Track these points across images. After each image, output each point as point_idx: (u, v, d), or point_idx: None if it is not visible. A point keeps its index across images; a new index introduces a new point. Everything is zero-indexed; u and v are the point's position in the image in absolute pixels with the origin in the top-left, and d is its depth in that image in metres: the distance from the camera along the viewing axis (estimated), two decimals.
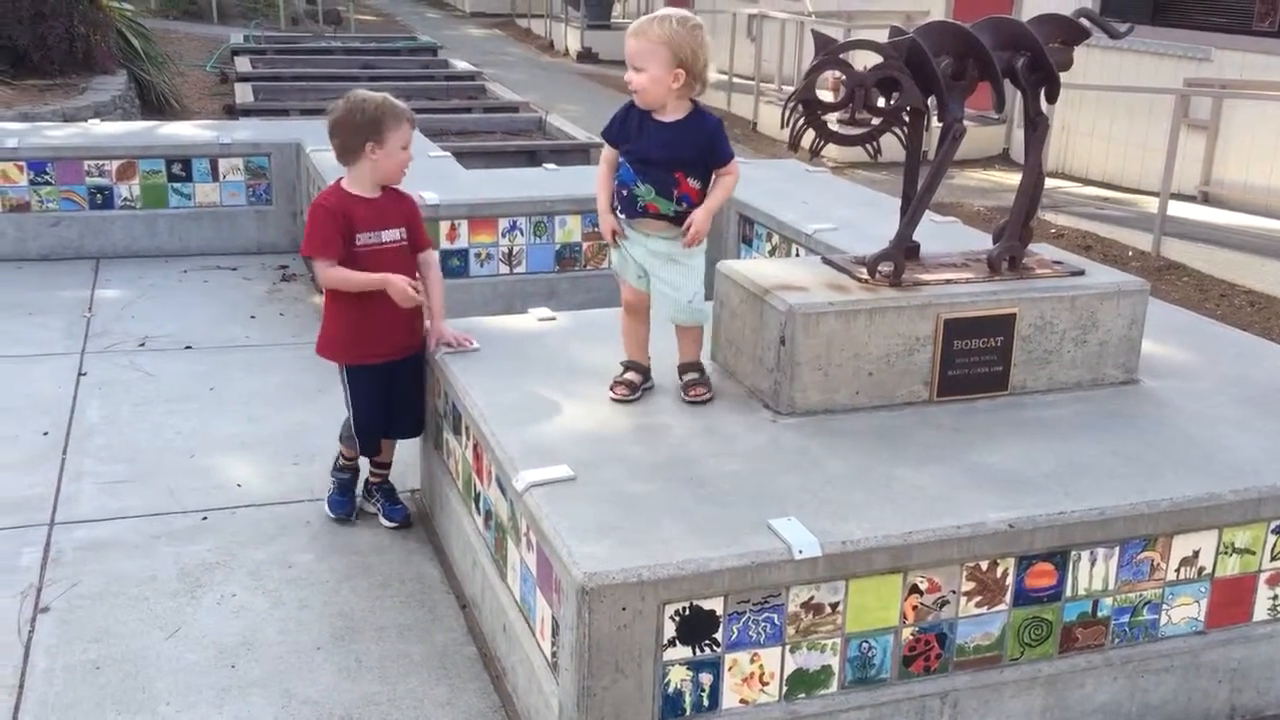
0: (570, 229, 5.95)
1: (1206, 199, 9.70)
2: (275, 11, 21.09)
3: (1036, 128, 3.44)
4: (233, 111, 11.93)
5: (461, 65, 15.02)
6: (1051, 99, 3.41)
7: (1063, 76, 3.42)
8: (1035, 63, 3.32)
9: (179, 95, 12.78)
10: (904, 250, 3.40)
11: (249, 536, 3.81)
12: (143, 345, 5.44)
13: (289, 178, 7.02)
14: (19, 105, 9.53)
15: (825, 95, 3.17)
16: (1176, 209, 8.78)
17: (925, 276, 3.43)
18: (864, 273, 3.41)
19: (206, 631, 3.29)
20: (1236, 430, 3.27)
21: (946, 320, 3.33)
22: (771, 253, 5.76)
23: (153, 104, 12.15)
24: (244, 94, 12.66)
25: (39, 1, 10.42)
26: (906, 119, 3.29)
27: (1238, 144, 9.61)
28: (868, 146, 3.27)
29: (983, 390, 3.43)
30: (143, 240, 6.81)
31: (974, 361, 3.40)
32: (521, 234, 5.88)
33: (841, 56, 3.14)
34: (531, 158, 9.38)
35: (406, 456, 4.17)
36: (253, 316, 5.92)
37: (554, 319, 4.09)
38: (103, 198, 6.73)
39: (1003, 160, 11.97)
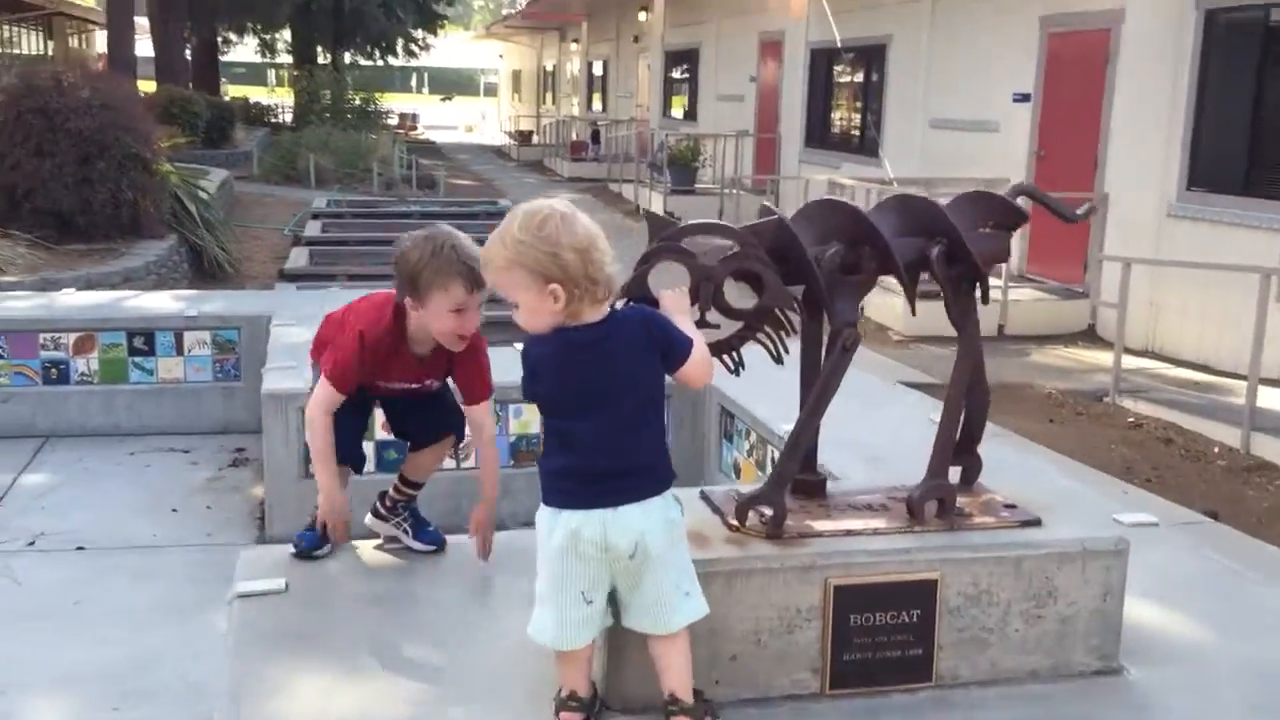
0: (526, 420, 5.26)
1: None
2: (370, 176, 21.42)
3: (963, 332, 2.64)
4: (284, 276, 11.76)
5: None
6: (984, 298, 2.63)
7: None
8: (954, 253, 2.55)
9: (234, 259, 12.69)
10: (785, 490, 2.60)
11: None
12: (31, 544, 4.87)
13: (260, 352, 6.49)
14: (46, 270, 9.39)
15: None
16: (1272, 398, 7.72)
17: (818, 524, 2.62)
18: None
19: None
20: None
21: (838, 587, 2.50)
22: (749, 452, 4.97)
23: (205, 268, 12.05)
24: (298, 258, 12.55)
25: (87, 167, 10.42)
26: (787, 322, 2.54)
27: None
28: (727, 358, 2.52)
29: (896, 681, 2.57)
30: (98, 418, 6.34)
31: (881, 643, 2.55)
32: None
33: (685, 244, 2.43)
34: None
35: None
36: (174, 509, 5.34)
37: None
38: (58, 372, 6.31)
39: (1087, 336, 10.97)
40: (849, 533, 2.59)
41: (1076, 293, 11.27)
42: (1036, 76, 12.02)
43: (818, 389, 2.53)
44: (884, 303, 10.96)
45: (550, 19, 34.60)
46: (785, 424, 4.57)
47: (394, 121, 36.05)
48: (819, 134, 17.61)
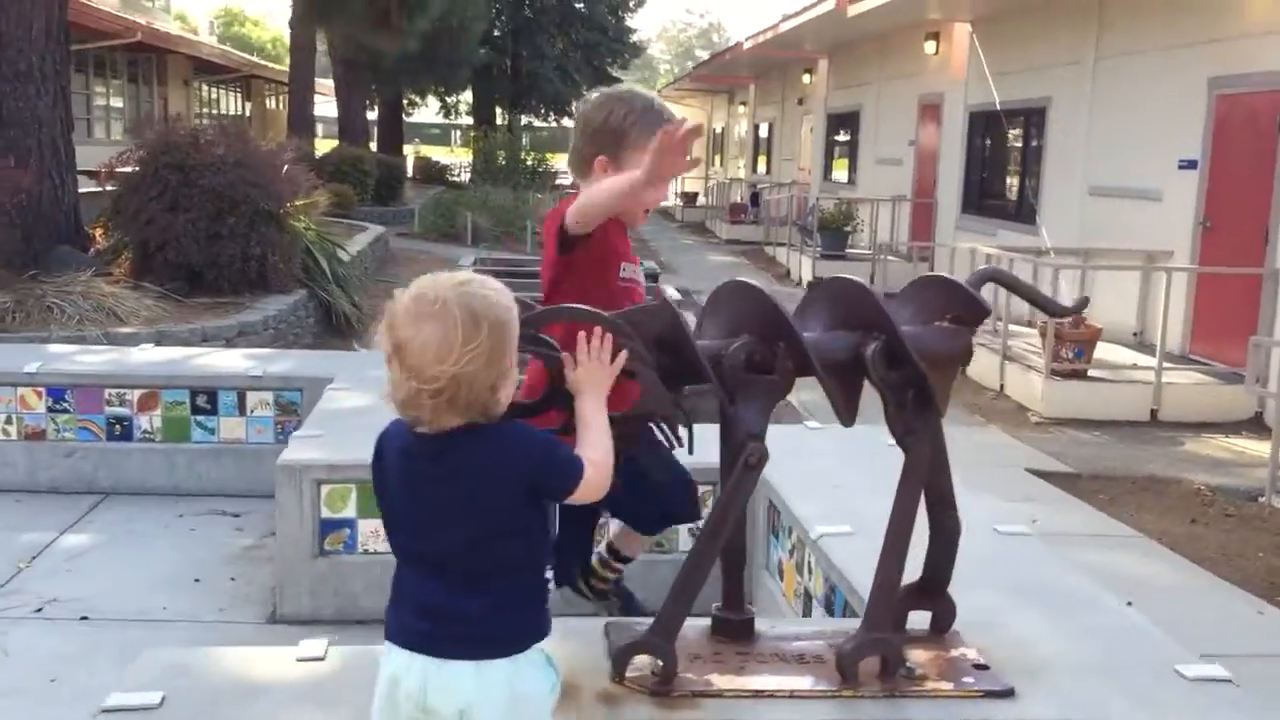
0: None
1: None
2: (523, 234, 21.59)
3: (910, 450, 2.13)
4: None
5: (670, 291, 14.45)
6: (939, 407, 2.11)
7: None
8: (893, 353, 2.05)
9: (365, 315, 12.78)
10: (674, 635, 2.13)
11: None
12: (39, 611, 4.73)
13: None
14: (164, 323, 9.55)
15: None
16: None
17: (722, 680, 2.13)
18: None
19: None
20: None
21: None
22: (791, 552, 4.45)
23: (333, 323, 12.17)
24: None
25: (218, 223, 10.63)
26: (669, 433, 2.08)
27: None
28: None
29: None
30: (159, 476, 6.26)
31: None
32: None
33: (545, 333, 2.01)
34: None
35: None
36: (197, 580, 5.15)
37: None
38: (121, 429, 6.27)
39: (1253, 425, 9.91)
40: (758, 694, 2.10)
41: (1242, 376, 10.22)
42: (1204, 142, 11.08)
43: (714, 516, 2.06)
44: (1023, 380, 10.21)
45: (720, 81, 34.59)
46: (823, 525, 4.08)
47: (566, 181, 36.67)
48: (976, 200, 16.82)
